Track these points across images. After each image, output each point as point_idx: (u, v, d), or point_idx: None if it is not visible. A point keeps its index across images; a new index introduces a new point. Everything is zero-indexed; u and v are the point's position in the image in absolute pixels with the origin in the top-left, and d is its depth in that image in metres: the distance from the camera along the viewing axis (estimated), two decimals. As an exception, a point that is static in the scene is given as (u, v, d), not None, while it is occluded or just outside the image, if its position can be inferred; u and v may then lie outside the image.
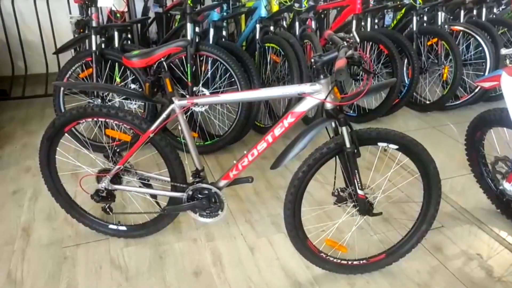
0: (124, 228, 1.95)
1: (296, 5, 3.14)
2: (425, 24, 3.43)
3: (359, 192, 1.59)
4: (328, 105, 1.49)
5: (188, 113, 2.78)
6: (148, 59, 1.58)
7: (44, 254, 1.87)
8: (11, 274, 1.76)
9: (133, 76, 2.77)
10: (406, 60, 3.27)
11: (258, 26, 3.02)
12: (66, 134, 1.81)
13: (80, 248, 1.90)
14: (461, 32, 3.37)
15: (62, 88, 2.76)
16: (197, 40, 2.63)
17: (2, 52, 3.98)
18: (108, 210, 1.85)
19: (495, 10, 3.78)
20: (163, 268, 1.80)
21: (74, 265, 1.81)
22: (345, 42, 1.40)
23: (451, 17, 3.74)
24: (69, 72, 2.72)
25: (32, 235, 2.00)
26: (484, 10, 3.59)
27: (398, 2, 3.72)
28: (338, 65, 1.23)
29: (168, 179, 1.81)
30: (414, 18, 3.37)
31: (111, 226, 1.96)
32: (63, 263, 1.82)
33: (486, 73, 3.20)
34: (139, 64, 1.60)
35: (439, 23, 3.39)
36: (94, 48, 2.66)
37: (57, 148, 1.82)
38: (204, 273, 1.77)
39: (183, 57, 2.62)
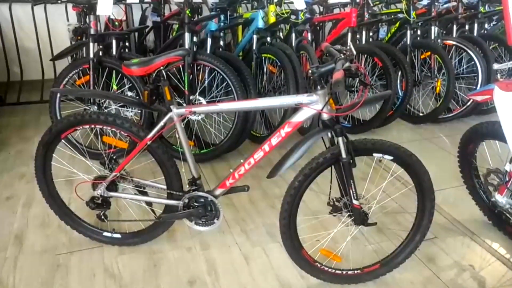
0: (118, 235, 1.94)
1: (293, 17, 3.19)
2: (418, 38, 3.50)
3: (354, 202, 1.61)
4: (325, 116, 1.52)
5: (184, 122, 2.79)
6: (147, 67, 1.60)
7: (37, 261, 1.85)
8: (2, 281, 1.74)
9: (130, 84, 2.78)
10: (400, 73, 3.32)
11: (255, 36, 3.05)
12: (62, 141, 1.81)
13: (73, 256, 1.89)
14: (453, 47, 3.44)
15: (58, 95, 2.76)
16: (195, 49, 2.65)
17: (-2, 57, 3.98)
18: (103, 217, 1.85)
19: (486, 25, 3.87)
20: (158, 277, 1.79)
21: (67, 273, 1.79)
22: (342, 54, 1.43)
23: (444, 32, 3.82)
24: (66, 79, 2.73)
25: (25, 242, 1.98)
26: (476, 25, 3.68)
27: (393, 16, 3.80)
28: (336, 77, 1.26)
29: (164, 186, 1.81)
30: (408, 32, 3.44)
31: (105, 233, 1.95)
32: (56, 270, 1.80)
33: (478, 87, 3.26)
34: (138, 72, 1.61)
35: (432, 37, 3.46)
36: (91, 55, 2.68)
37: (53, 155, 1.82)
38: (199, 282, 1.77)
39: (181, 66, 2.64)
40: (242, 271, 1.84)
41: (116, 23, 3.00)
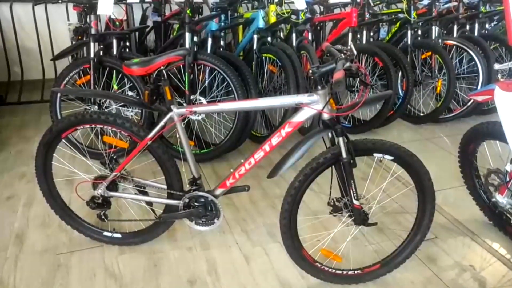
0: (119, 235, 1.94)
1: (293, 17, 3.19)
2: (419, 38, 3.49)
3: (355, 202, 1.61)
4: (325, 116, 1.52)
5: (185, 121, 2.79)
6: (148, 67, 1.60)
7: (38, 261, 1.85)
8: (3, 281, 1.74)
9: (131, 84, 2.78)
10: (400, 73, 3.32)
11: (255, 36, 3.05)
12: (62, 140, 1.81)
13: (74, 256, 1.89)
14: (454, 46, 3.44)
15: (59, 94, 2.76)
16: (195, 49, 2.65)
17: (-2, 57, 3.98)
18: (103, 217, 1.85)
19: (487, 25, 3.87)
20: (158, 277, 1.79)
21: (68, 273, 1.79)
22: (342, 54, 1.43)
23: (445, 32, 3.82)
24: (67, 79, 2.73)
25: (25, 241, 1.98)
26: (476, 25, 3.67)
27: (393, 16, 3.79)
28: (337, 77, 1.26)
29: (165, 186, 1.81)
30: (409, 32, 3.44)
31: (105, 233, 1.95)
32: (56, 270, 1.80)
33: (479, 87, 3.26)
34: (139, 72, 1.61)
35: (433, 37, 3.46)
36: (92, 55, 2.68)
37: (54, 154, 1.82)
38: (199, 282, 1.77)
39: (181, 66, 2.64)
40: (242, 271, 1.84)
41: (117, 23, 3.00)
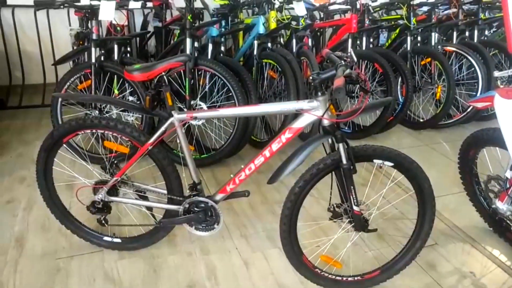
0: (118, 240, 1.94)
1: (294, 23, 3.21)
2: (419, 44, 3.51)
3: (355, 208, 1.61)
4: (325, 122, 1.52)
5: (185, 126, 2.80)
6: (149, 73, 1.61)
7: (37, 265, 1.85)
8: (3, 285, 1.74)
9: (131, 89, 2.79)
10: (400, 79, 3.33)
11: (256, 42, 3.06)
12: (63, 145, 1.82)
13: (74, 260, 1.89)
14: (454, 53, 3.45)
15: (59, 99, 2.76)
16: (196, 54, 2.66)
17: (0, 61, 3.98)
18: (103, 222, 1.85)
19: (486, 32, 3.89)
20: (157, 282, 1.78)
21: (67, 277, 1.79)
22: (342, 61, 1.43)
23: (444, 38, 3.84)
24: (68, 83, 2.74)
25: (25, 245, 1.98)
26: (476, 32, 3.69)
27: (393, 22, 3.82)
28: (337, 84, 1.27)
29: (165, 191, 1.82)
30: (408, 38, 3.45)
31: (105, 238, 1.95)
32: (56, 274, 1.80)
33: (478, 93, 3.27)
34: (140, 77, 1.62)
35: (433, 43, 3.48)
36: (93, 60, 2.69)
37: (54, 159, 1.83)
38: (199, 287, 1.76)
39: (182, 71, 2.65)
40: (242, 276, 1.83)
41: (118, 28, 3.01)
